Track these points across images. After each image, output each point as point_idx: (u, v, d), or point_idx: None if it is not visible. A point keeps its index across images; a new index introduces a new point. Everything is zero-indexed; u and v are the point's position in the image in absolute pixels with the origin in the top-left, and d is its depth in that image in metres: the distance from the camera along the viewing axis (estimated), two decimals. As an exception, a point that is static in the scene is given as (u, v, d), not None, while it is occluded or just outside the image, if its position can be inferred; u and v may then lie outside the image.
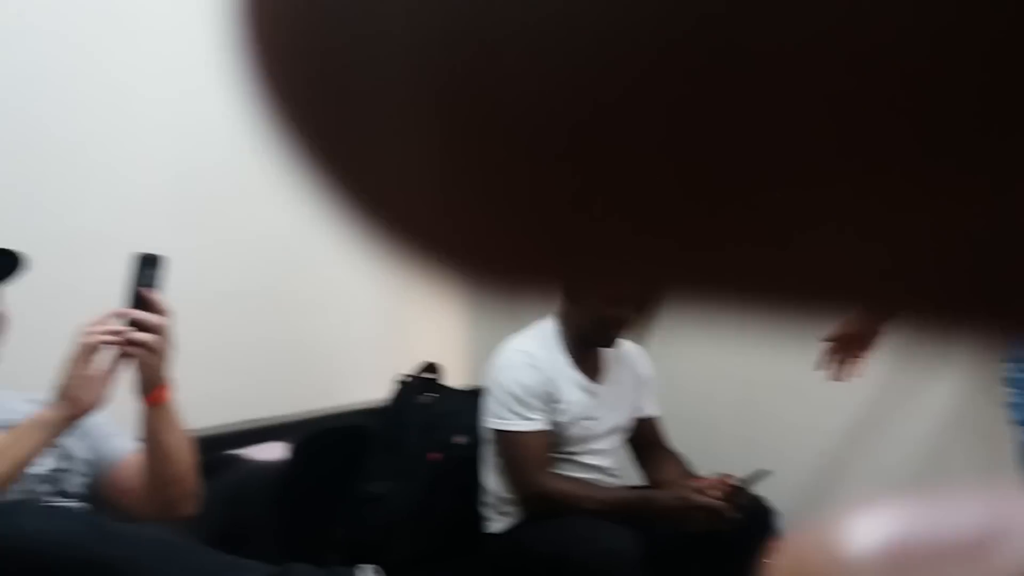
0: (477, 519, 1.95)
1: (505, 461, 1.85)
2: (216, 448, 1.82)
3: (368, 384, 2.32)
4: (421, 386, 2.11)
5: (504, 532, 1.90)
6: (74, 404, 1.25)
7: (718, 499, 1.69)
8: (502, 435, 1.85)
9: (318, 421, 2.14)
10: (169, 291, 1.33)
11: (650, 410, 2.04)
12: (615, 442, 1.98)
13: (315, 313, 2.29)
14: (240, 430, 1.98)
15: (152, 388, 1.33)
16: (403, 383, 2.13)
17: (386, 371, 2.23)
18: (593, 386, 1.93)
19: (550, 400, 1.86)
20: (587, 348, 1.94)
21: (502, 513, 1.92)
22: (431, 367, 2.19)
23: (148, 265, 1.32)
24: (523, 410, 1.83)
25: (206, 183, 2.04)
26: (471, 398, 2.02)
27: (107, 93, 1.86)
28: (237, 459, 1.93)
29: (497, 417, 1.86)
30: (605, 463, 1.93)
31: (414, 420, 2.01)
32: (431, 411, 2.04)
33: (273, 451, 1.99)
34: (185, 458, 1.37)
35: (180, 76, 1.97)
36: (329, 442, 2.04)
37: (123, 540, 1.16)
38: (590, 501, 1.76)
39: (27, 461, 1.22)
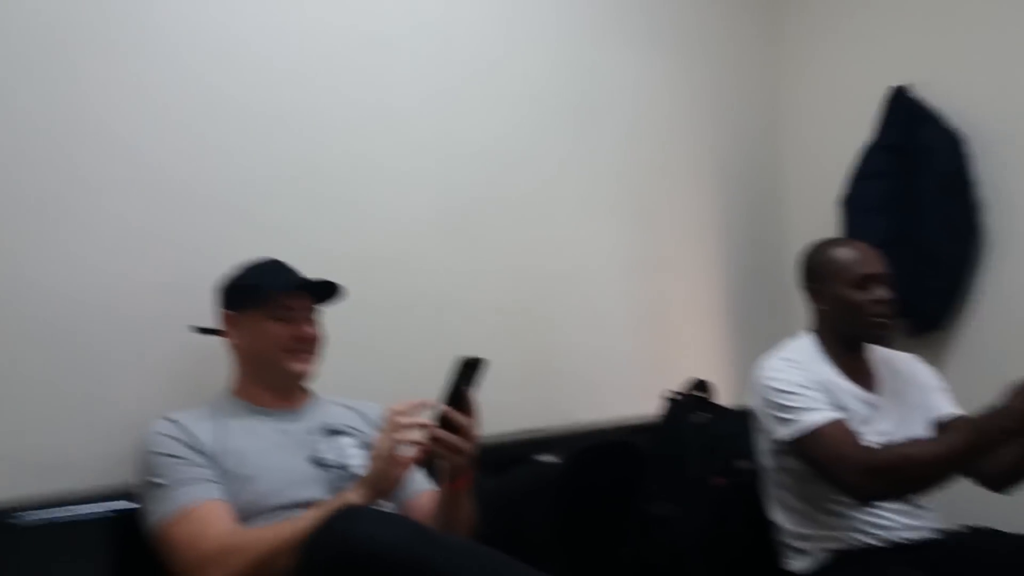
0: (768, 551, 1.82)
1: (820, 459, 1.67)
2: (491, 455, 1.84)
3: (629, 400, 2.28)
4: (693, 404, 2.03)
5: (805, 573, 1.77)
6: (376, 493, 1.34)
7: None
8: (803, 436, 1.67)
9: (589, 435, 2.11)
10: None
11: (950, 410, 1.82)
12: None
13: (574, 328, 2.28)
14: (510, 440, 1.99)
15: (455, 478, 1.41)
16: (674, 400, 2.06)
17: (647, 388, 2.18)
18: (869, 396, 1.78)
19: (831, 396, 1.72)
20: (852, 354, 1.80)
21: (799, 551, 1.79)
22: (701, 385, 2.10)
23: (471, 367, 1.35)
24: (813, 403, 1.69)
25: (468, 202, 2.10)
26: (746, 419, 1.90)
27: (379, 117, 1.95)
28: (514, 464, 1.92)
29: (784, 424, 1.71)
30: None
31: (691, 441, 1.93)
32: (708, 432, 1.96)
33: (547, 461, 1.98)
34: (467, 528, 1.46)
35: (444, 98, 2.06)
36: (602, 456, 2.00)
37: (441, 544, 1.18)
38: (932, 454, 1.57)
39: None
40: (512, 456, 1.94)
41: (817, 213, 2.66)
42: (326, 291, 1.57)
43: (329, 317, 1.63)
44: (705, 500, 1.85)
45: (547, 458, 2.00)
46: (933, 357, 2.50)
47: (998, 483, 1.72)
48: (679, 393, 2.07)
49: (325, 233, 1.84)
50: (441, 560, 1.14)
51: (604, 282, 2.36)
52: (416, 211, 2.00)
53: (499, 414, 1.63)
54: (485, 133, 2.14)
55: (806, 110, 2.84)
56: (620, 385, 2.35)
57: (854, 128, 2.60)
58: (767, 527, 1.85)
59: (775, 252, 2.76)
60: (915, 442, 1.65)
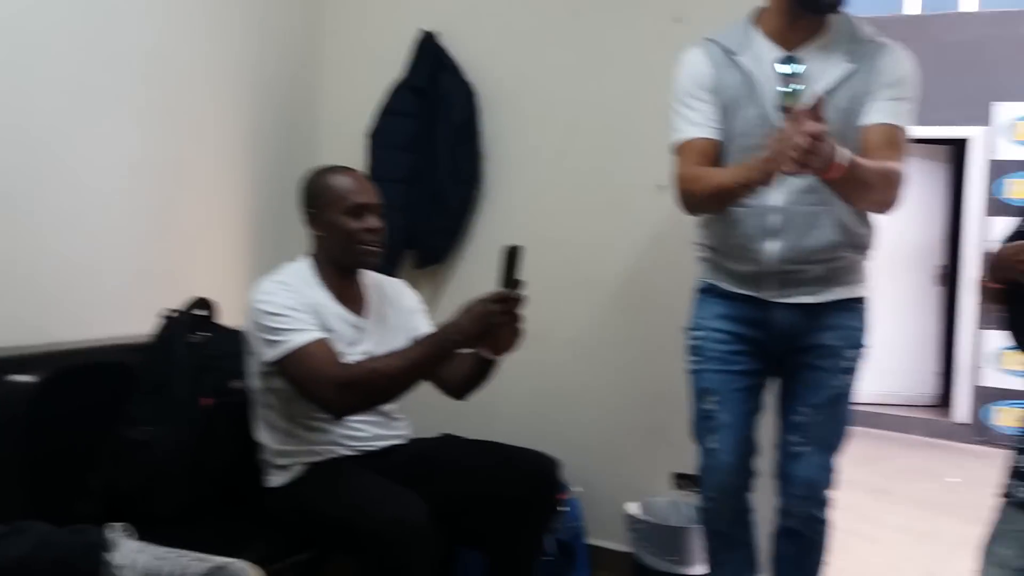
0: (252, 471, 1.85)
1: (300, 378, 1.73)
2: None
3: (127, 317, 2.12)
4: (191, 324, 1.96)
5: (284, 487, 1.83)
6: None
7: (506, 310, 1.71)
8: (287, 356, 1.73)
9: (71, 355, 1.91)
10: None
11: (427, 330, 2.01)
12: None
13: (55, 233, 2.02)
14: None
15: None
16: (170, 319, 1.96)
17: (149, 305, 2.04)
18: (357, 319, 1.91)
19: (319, 318, 1.81)
20: (344, 279, 1.91)
21: (280, 467, 1.85)
22: (203, 303, 2.03)
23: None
24: (298, 324, 1.75)
25: None
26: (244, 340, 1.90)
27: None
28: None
29: (271, 345, 1.75)
30: None
31: (184, 361, 1.86)
32: (203, 352, 1.90)
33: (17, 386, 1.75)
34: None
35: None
36: (82, 379, 1.83)
37: None
38: (395, 367, 1.70)
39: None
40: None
41: (348, 142, 2.74)
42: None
43: None
44: (188, 421, 1.81)
45: (22, 379, 1.78)
46: (435, 287, 2.77)
47: (457, 391, 1.96)
48: (177, 312, 1.98)
49: None
50: None
51: (102, 186, 2.14)
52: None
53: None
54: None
55: (348, 40, 2.88)
56: (115, 301, 2.17)
57: (390, 64, 2.71)
58: (252, 447, 1.88)
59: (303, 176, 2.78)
60: (380, 357, 1.78)
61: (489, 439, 2.02)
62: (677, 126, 1.86)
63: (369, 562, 1.57)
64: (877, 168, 1.68)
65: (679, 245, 2.12)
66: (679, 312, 2.03)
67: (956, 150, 5.71)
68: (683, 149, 1.85)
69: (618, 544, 2.48)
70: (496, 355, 1.84)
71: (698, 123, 1.83)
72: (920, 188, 5.89)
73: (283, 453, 1.85)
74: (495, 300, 1.69)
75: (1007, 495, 1.47)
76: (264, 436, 1.87)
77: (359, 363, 1.77)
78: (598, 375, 2.60)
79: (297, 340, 1.73)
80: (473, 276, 2.70)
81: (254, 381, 1.85)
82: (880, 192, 1.72)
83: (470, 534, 1.98)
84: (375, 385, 1.72)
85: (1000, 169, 5.27)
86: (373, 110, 2.70)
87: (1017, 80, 5.11)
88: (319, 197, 1.89)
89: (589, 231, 2.59)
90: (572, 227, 2.61)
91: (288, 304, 1.77)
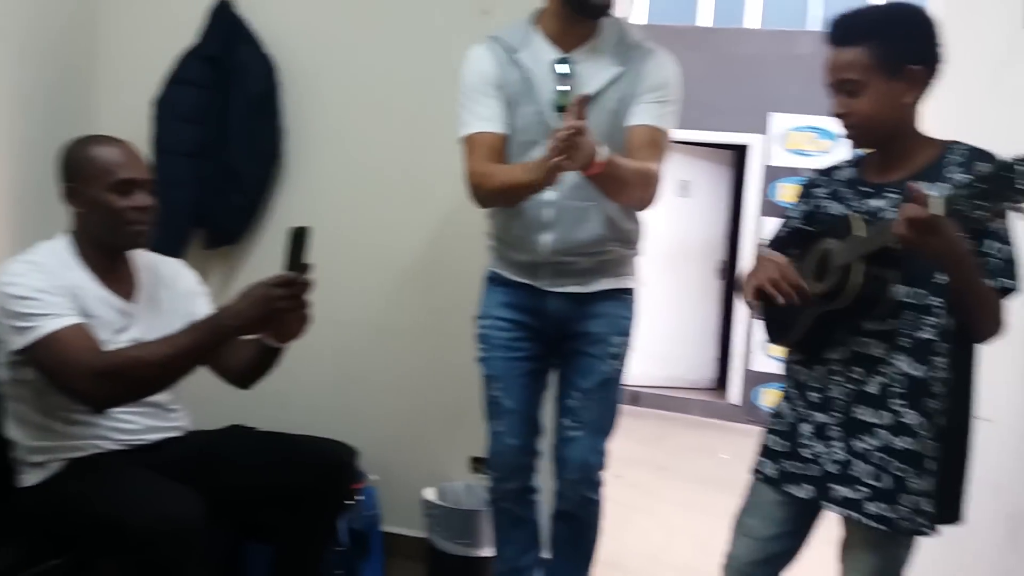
0: (3, 472, 1.67)
1: (52, 368, 1.57)
2: None
3: None
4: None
5: (39, 485, 1.67)
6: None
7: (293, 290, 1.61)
8: (36, 344, 1.56)
9: None
10: None
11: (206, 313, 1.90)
12: None
13: None
14: None
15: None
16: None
17: None
18: (124, 303, 1.75)
19: (77, 302, 1.64)
20: (109, 260, 1.75)
21: (35, 464, 1.69)
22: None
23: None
24: (50, 309, 1.58)
25: None
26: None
27: None
28: None
29: (20, 332, 1.57)
30: None
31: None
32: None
33: None
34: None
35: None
36: None
37: None
38: (161, 355, 1.57)
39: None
40: None
41: (131, 111, 2.53)
42: None
43: None
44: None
45: None
46: (229, 269, 2.63)
47: (240, 379, 1.85)
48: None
49: None
50: None
51: None
52: None
53: None
54: None
55: (131, 2, 2.66)
56: None
57: (182, 31, 2.53)
58: (3, 445, 1.70)
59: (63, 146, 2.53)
60: (146, 344, 1.65)
61: (284, 430, 1.95)
62: (464, 120, 1.89)
63: (137, 563, 1.45)
64: (635, 168, 1.77)
65: (476, 232, 2.16)
66: (475, 298, 2.06)
67: (738, 155, 6.22)
68: (472, 142, 1.88)
69: (417, 531, 2.49)
70: (281, 342, 1.76)
71: (485, 117, 1.87)
72: (706, 189, 6.37)
73: (38, 450, 1.68)
74: (279, 284, 1.60)
75: (756, 471, 1.62)
76: (15, 432, 1.69)
77: (120, 350, 1.63)
78: (397, 361, 2.58)
79: (49, 326, 1.57)
80: (272, 258, 2.57)
81: (3, 372, 1.67)
82: (638, 190, 1.82)
83: (258, 528, 1.91)
84: (138, 374, 1.58)
85: (774, 174, 5.80)
86: (161, 78, 2.51)
87: (791, 93, 5.63)
88: (80, 170, 1.70)
89: (390, 214, 2.56)
90: (374, 209, 2.57)
91: (39, 287, 1.60)
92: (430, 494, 2.45)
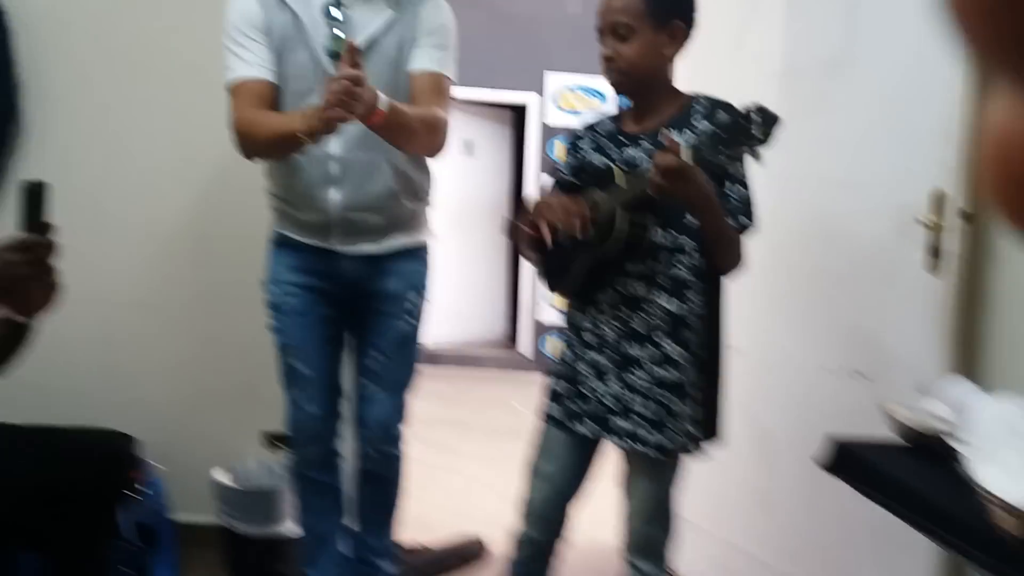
0: None
1: None
2: None
3: None
4: None
5: None
6: None
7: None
8: None
9: None
10: None
11: None
12: None
13: None
14: None
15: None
16: None
17: None
18: None
19: None
20: None
21: None
22: None
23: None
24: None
25: None
26: None
27: None
28: None
29: None
30: None
31: None
32: None
33: None
34: None
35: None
36: None
37: None
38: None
39: None
40: None
41: None
42: None
43: None
44: None
45: None
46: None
47: None
48: None
49: None
50: None
51: None
52: None
53: None
54: None
55: None
56: None
57: None
58: None
59: None
60: None
61: (47, 423, 1.77)
62: (231, 64, 1.78)
63: None
64: (419, 114, 1.76)
65: (255, 192, 2.05)
66: (259, 263, 1.97)
67: (519, 115, 6.38)
68: (238, 90, 1.77)
69: (210, 517, 2.37)
70: (26, 316, 1.54)
71: (251, 63, 1.77)
72: (489, 149, 6.49)
73: None
74: (15, 248, 1.35)
75: (545, 415, 1.70)
76: None
77: None
78: (174, 338, 2.41)
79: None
80: (10, 224, 2.32)
81: None
82: (425, 137, 1.80)
83: (23, 535, 1.73)
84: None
85: (551, 133, 6.01)
86: None
87: (565, 52, 5.84)
88: None
89: (153, 176, 2.35)
90: (133, 172, 2.34)
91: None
92: (221, 476, 2.34)
